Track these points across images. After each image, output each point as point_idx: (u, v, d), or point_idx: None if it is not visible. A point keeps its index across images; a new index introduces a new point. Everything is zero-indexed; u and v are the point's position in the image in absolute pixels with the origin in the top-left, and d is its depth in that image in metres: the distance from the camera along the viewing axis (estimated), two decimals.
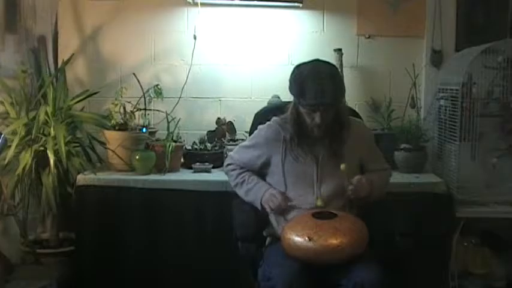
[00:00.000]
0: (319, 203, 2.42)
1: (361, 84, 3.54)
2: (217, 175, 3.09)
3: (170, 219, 3.00)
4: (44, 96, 3.21)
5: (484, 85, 3.14)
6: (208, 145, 3.35)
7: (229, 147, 3.23)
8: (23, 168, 3.01)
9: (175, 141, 3.17)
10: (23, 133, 3.06)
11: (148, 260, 3.01)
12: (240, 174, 2.60)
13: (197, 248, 2.98)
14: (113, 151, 3.11)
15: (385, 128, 3.36)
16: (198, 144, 3.36)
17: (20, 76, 3.17)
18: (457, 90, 3.07)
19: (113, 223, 3.01)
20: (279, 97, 3.34)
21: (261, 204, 2.48)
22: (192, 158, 3.25)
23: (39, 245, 3.22)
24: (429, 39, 3.47)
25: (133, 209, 3.01)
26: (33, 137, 3.02)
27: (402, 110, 3.46)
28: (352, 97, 3.42)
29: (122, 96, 3.18)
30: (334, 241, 2.22)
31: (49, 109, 3.13)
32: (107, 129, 3.16)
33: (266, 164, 2.55)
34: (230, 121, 3.46)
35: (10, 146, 2.94)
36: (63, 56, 3.45)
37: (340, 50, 3.41)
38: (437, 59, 3.46)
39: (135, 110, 3.22)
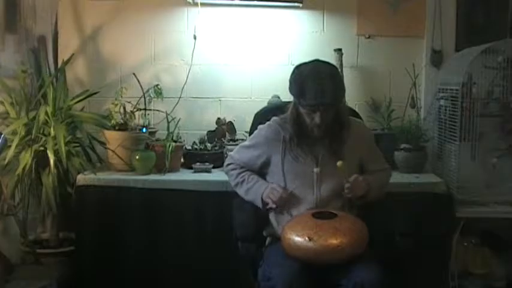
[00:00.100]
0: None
1: (361, 84, 3.54)
2: (217, 175, 3.09)
3: (170, 219, 3.00)
4: (44, 96, 3.21)
5: (484, 85, 3.14)
6: (208, 145, 3.35)
7: (229, 147, 3.23)
8: (23, 168, 3.01)
9: (175, 141, 3.17)
10: (23, 133, 3.06)
11: (148, 260, 3.01)
12: (240, 173, 2.60)
13: (197, 248, 2.98)
14: (113, 151, 3.11)
15: (385, 128, 3.36)
16: (198, 144, 3.36)
17: (20, 76, 3.18)
18: (457, 90, 3.07)
19: (113, 223, 3.01)
20: (279, 97, 3.34)
21: (262, 200, 2.48)
22: (192, 158, 3.25)
23: (39, 245, 3.22)
24: (429, 39, 3.47)
25: (133, 209, 3.01)
26: (33, 137, 3.02)
27: (402, 110, 3.46)
28: (352, 97, 3.42)
29: (122, 96, 3.18)
30: (334, 241, 2.22)
31: (49, 109, 3.13)
32: (107, 129, 3.16)
33: (266, 164, 2.56)
34: (230, 121, 3.46)
35: (10, 146, 2.94)
36: (63, 56, 3.45)
37: (340, 50, 3.41)
38: (437, 59, 3.46)
39: (135, 110, 3.22)
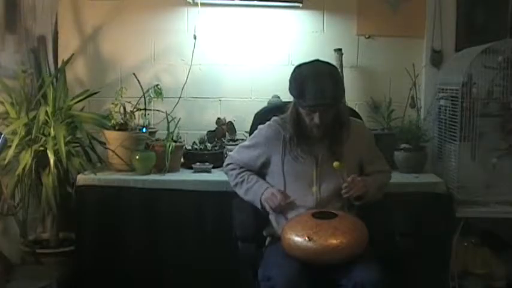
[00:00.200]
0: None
1: (361, 84, 3.54)
2: (217, 175, 3.09)
3: (170, 219, 3.00)
4: (44, 96, 3.20)
5: (484, 85, 3.14)
6: (208, 145, 3.35)
7: (229, 147, 3.23)
8: (23, 168, 3.01)
9: (175, 141, 3.17)
10: (23, 133, 3.06)
11: (148, 260, 3.01)
12: (239, 173, 2.60)
13: (197, 248, 2.98)
14: (113, 151, 3.11)
15: (385, 128, 3.36)
16: (198, 144, 3.36)
17: (20, 76, 3.18)
18: (457, 90, 3.07)
19: (113, 223, 3.01)
20: (279, 97, 3.34)
21: (261, 202, 2.48)
22: (192, 158, 3.25)
23: (39, 245, 3.22)
24: (429, 39, 3.46)
25: (133, 209, 3.01)
26: (33, 137, 3.02)
27: (402, 110, 3.46)
28: (352, 97, 3.42)
29: (122, 96, 3.18)
30: (334, 241, 2.22)
31: (49, 109, 3.13)
32: (107, 129, 3.16)
33: (266, 164, 2.56)
34: (230, 121, 3.46)
35: (10, 146, 2.94)
36: (63, 56, 3.45)
37: (340, 50, 3.41)
38: (437, 59, 3.46)
39: (135, 110, 3.22)
